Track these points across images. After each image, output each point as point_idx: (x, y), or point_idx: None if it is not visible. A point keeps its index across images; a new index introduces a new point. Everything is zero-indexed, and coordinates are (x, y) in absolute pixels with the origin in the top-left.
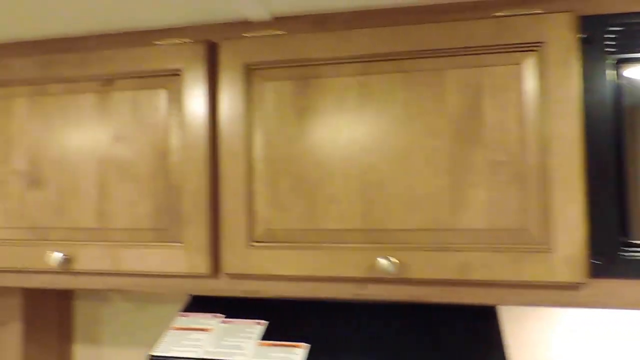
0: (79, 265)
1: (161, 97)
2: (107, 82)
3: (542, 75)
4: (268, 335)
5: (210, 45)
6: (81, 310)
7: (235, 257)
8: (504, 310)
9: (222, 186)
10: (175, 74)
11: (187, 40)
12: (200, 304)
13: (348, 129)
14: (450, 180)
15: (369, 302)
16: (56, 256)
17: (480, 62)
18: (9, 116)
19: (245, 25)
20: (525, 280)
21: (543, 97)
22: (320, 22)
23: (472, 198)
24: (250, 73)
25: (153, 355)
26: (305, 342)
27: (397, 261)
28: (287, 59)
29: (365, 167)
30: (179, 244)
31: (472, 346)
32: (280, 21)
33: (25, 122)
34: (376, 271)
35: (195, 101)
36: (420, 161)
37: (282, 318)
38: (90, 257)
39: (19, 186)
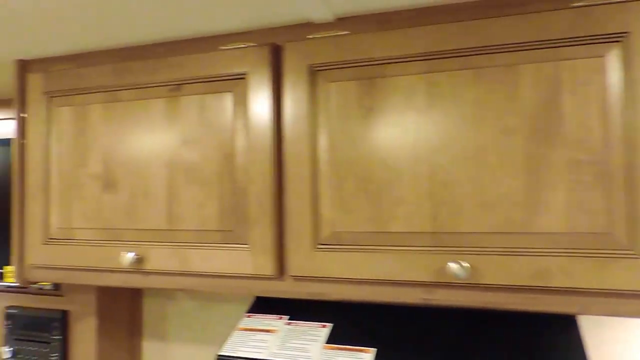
0: (149, 265)
1: (227, 101)
2: (176, 88)
3: (627, 68)
4: (333, 338)
5: (275, 48)
6: (150, 308)
7: (301, 259)
8: (584, 319)
9: (287, 188)
10: (241, 77)
11: (251, 44)
12: (264, 304)
13: (416, 129)
14: (525, 181)
15: (437, 307)
16: (128, 256)
17: (558, 56)
18: (85, 122)
19: (309, 27)
20: (610, 289)
21: (628, 91)
22: (385, 20)
23: (550, 199)
24: (315, 74)
25: (221, 355)
26: (371, 347)
27: (468, 265)
28: (352, 59)
29: (434, 167)
30: (245, 246)
31: (550, 357)
32: (343, 21)
33: (100, 128)
34: (445, 276)
35: (261, 104)
36: (493, 161)
37: (347, 321)
38: (160, 258)
39: (94, 189)
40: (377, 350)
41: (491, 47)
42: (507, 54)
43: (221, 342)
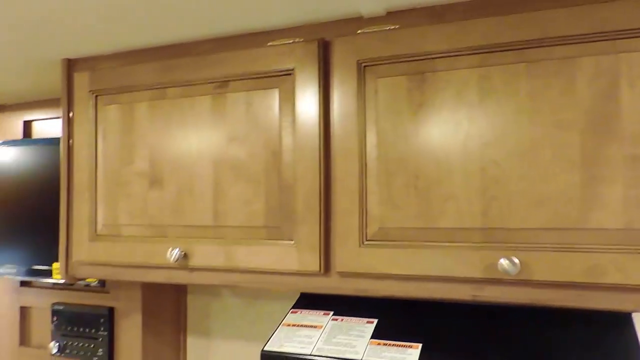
0: (194, 262)
1: (274, 97)
2: (222, 84)
3: None
4: (379, 334)
5: (323, 44)
6: (194, 305)
7: (347, 255)
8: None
9: (334, 184)
10: (288, 73)
11: (299, 39)
12: (309, 301)
13: (467, 124)
14: (581, 176)
15: (484, 304)
16: (174, 253)
17: (617, 48)
18: (132, 120)
19: (359, 21)
20: None
21: None
22: (437, 13)
23: (606, 195)
24: (364, 70)
25: (265, 351)
26: (417, 342)
27: (518, 261)
28: (402, 53)
29: (486, 163)
30: (291, 242)
31: (603, 355)
32: (394, 15)
33: (146, 125)
34: (495, 272)
35: (308, 100)
36: (547, 156)
37: (392, 317)
38: (205, 254)
39: (141, 186)
40: (423, 345)
41: (548, 40)
42: (565, 47)
43: (265, 339)
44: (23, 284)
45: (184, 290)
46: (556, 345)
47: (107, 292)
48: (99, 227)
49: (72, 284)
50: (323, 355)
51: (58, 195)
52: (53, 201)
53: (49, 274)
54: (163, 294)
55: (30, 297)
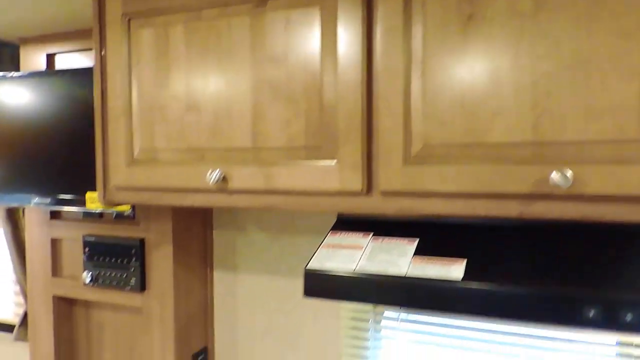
0: (233, 184)
1: (314, 16)
2: (260, 3)
3: None
4: (421, 252)
5: None
6: (220, 239)
7: (391, 174)
8: None
9: (377, 103)
10: None
11: None
12: (347, 224)
13: (519, 36)
14: None
15: (528, 224)
16: (214, 174)
17: None
18: (167, 43)
19: None
20: None
21: None
22: None
23: None
24: None
25: (309, 269)
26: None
27: (571, 173)
28: None
29: (538, 76)
30: (333, 162)
31: None
32: None
33: (182, 49)
34: (545, 186)
35: (350, 17)
36: (604, 66)
37: (433, 238)
38: (244, 176)
39: (178, 110)
40: (468, 261)
41: None
42: None
43: (291, 273)
44: (53, 216)
45: (210, 225)
46: (604, 264)
47: (137, 224)
48: (136, 152)
49: (101, 216)
50: (367, 271)
51: (87, 125)
52: (81, 132)
53: (81, 203)
54: (192, 228)
55: (60, 230)
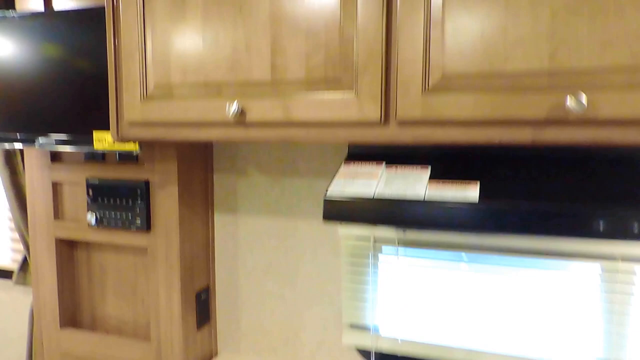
0: (251, 117)
1: None
2: None
3: None
4: (435, 177)
5: None
6: (220, 182)
7: (409, 104)
8: None
9: (396, 33)
10: None
11: None
12: (358, 156)
13: None
14: None
15: (534, 155)
16: (230, 108)
17: None
18: None
19: None
20: None
21: None
22: None
23: None
24: None
25: (329, 197)
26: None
27: (585, 97)
28: None
29: (556, 6)
30: (352, 92)
31: None
32: None
33: None
34: (560, 111)
35: None
36: None
37: (444, 164)
38: (263, 109)
39: (193, 43)
40: (481, 183)
41: None
42: None
43: (291, 214)
44: (54, 159)
45: (211, 168)
46: (617, 185)
47: (141, 166)
48: (151, 87)
49: (104, 158)
50: (386, 196)
51: (93, 65)
52: (88, 71)
53: (86, 143)
54: (194, 170)
55: (61, 173)
